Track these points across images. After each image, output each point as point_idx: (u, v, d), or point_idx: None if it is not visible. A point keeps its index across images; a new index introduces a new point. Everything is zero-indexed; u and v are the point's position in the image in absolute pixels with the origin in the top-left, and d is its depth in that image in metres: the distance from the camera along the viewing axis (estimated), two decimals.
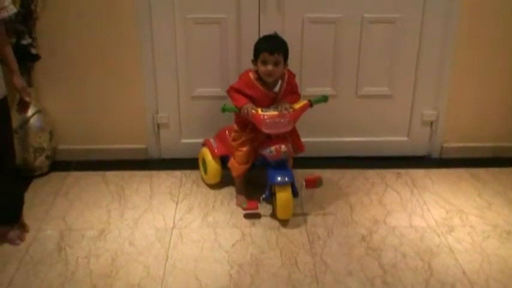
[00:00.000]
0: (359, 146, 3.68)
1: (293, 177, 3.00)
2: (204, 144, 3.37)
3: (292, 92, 3.09)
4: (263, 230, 2.97)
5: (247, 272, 2.67)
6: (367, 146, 3.69)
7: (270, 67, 2.92)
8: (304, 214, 3.09)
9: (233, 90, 3.05)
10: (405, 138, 3.70)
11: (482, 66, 3.53)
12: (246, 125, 3.05)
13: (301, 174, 3.23)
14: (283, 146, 2.95)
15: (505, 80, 3.58)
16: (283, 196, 2.96)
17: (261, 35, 3.11)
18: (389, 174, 3.51)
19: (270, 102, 3.02)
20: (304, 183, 3.06)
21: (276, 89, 3.02)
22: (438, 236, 2.94)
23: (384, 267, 2.71)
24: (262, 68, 2.94)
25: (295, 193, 3.01)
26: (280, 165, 3.00)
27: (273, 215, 3.06)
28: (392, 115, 3.63)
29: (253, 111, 2.93)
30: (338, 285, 2.59)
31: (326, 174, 3.47)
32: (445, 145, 3.71)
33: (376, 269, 2.70)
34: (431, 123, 3.65)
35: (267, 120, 2.91)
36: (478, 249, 2.84)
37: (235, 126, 3.13)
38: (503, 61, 3.53)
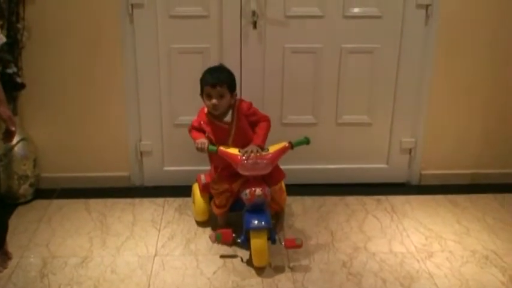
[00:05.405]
0: (339, 173, 3.73)
1: (270, 222, 2.89)
2: (196, 180, 3.30)
3: (255, 122, 3.01)
4: (245, 257, 2.98)
5: None
6: (347, 173, 3.73)
7: (214, 101, 2.87)
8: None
9: (192, 128, 3.03)
10: (385, 166, 3.76)
11: (460, 94, 3.60)
12: (224, 168, 3.01)
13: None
14: (258, 190, 2.85)
15: (482, 107, 3.64)
16: (258, 243, 2.84)
17: (207, 67, 3.03)
18: (370, 200, 3.55)
19: (226, 135, 2.97)
20: (284, 244, 2.93)
21: (227, 118, 2.96)
22: (418, 261, 2.97)
23: None
24: (207, 102, 2.91)
25: (272, 239, 2.90)
26: (257, 209, 2.89)
27: (250, 262, 2.93)
28: (371, 143, 3.69)
29: (229, 150, 2.89)
30: None
31: (307, 201, 3.53)
32: (424, 172, 3.76)
33: None
34: (410, 150, 3.71)
35: (245, 162, 2.84)
36: (457, 274, 2.88)
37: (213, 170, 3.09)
38: (480, 88, 3.60)
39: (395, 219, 3.36)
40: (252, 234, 2.87)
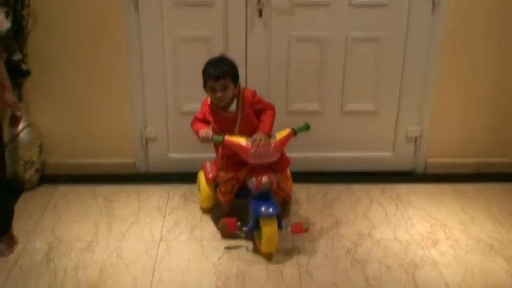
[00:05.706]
0: (344, 161, 3.72)
1: (278, 208, 2.90)
2: (201, 167, 3.30)
3: (260, 110, 2.97)
4: (249, 243, 2.99)
5: (234, 284, 2.70)
6: (352, 161, 3.73)
7: (218, 94, 2.84)
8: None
9: (196, 119, 3.00)
10: (390, 154, 3.75)
11: (466, 83, 3.58)
12: (230, 157, 2.99)
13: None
14: (264, 178, 2.86)
15: (488, 96, 3.63)
16: (269, 230, 2.84)
17: (208, 59, 2.98)
18: (375, 189, 3.55)
19: (231, 125, 2.95)
20: (290, 229, 2.94)
21: (232, 108, 2.93)
22: (422, 248, 2.98)
23: (368, 279, 2.75)
24: (211, 95, 2.89)
25: (280, 226, 2.89)
26: (264, 196, 2.89)
27: (254, 249, 2.96)
28: (377, 131, 3.68)
29: (236, 140, 2.86)
30: None
31: (312, 189, 3.53)
32: (429, 160, 3.75)
33: (360, 281, 2.74)
34: (416, 138, 3.70)
35: (252, 150, 2.83)
36: (461, 262, 2.88)
37: (219, 159, 3.08)
38: (486, 77, 3.58)
39: (400, 207, 3.36)
40: (262, 222, 2.86)
